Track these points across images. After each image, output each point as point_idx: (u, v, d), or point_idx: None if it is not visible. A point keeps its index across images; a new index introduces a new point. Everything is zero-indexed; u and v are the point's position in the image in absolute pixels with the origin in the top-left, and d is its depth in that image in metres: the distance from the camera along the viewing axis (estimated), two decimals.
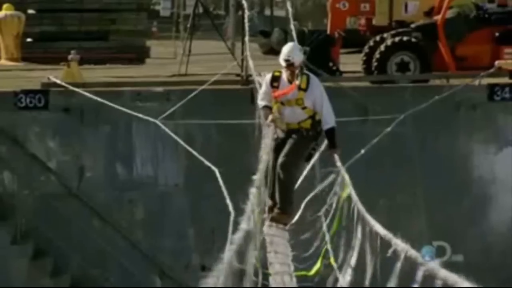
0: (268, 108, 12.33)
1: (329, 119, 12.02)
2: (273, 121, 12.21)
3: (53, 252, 17.86)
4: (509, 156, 19.30)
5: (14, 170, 17.96)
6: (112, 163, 18.86)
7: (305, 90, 12.14)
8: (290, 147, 12.14)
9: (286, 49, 12.29)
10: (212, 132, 18.38)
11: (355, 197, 9.99)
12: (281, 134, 12.27)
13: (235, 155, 17.16)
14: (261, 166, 10.51)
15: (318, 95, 12.16)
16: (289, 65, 11.93)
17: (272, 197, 12.09)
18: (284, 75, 12.09)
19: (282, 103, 12.24)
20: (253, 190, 8.87)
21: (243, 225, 7.23)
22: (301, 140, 12.14)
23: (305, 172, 13.31)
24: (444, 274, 5.22)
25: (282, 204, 12.04)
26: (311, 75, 12.66)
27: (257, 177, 9.79)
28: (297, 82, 12.09)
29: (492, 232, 19.21)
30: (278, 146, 12.17)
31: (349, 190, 10.74)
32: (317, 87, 12.32)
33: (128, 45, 26.64)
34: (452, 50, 20.67)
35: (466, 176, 19.43)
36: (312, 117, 12.28)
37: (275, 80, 12.17)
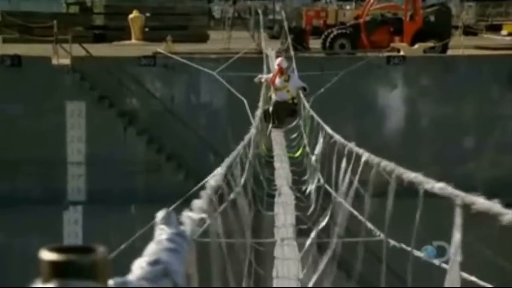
0: (258, 78, 18.23)
1: (302, 84, 17.92)
2: (260, 81, 18.13)
3: None
4: (395, 93, 25.17)
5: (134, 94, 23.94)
6: (186, 94, 24.68)
7: (288, 81, 17.80)
8: (282, 106, 17.63)
9: (278, 59, 18.68)
10: (241, 81, 22.66)
11: (314, 114, 13.43)
12: (273, 102, 17.67)
13: (252, 91, 19.81)
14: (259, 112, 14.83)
15: (295, 82, 17.87)
16: (278, 66, 18.04)
17: (273, 122, 17.65)
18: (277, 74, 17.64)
19: (276, 89, 17.78)
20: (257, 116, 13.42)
21: (252, 130, 10.05)
22: (286, 104, 17.67)
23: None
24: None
25: (279, 123, 17.84)
26: (290, 74, 18.11)
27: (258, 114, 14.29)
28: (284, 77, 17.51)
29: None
30: (275, 105, 17.77)
31: (310, 111, 14.64)
32: (294, 77, 18.19)
33: (198, 33, 35.12)
34: (368, 37, 28.14)
35: (371, 103, 25.07)
36: (292, 99, 17.67)
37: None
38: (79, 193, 24.48)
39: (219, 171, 5.09)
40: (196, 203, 3.14)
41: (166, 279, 1.65)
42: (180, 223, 2.13)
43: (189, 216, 2.50)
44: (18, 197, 23.66)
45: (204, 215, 2.92)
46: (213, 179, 4.36)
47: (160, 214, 1.97)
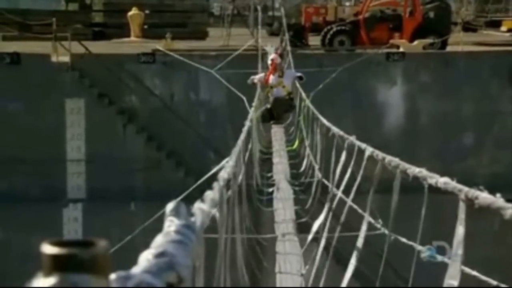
0: (251, 79, 18.41)
1: (298, 74, 18.25)
2: (252, 82, 18.25)
3: None
4: (395, 90, 25.01)
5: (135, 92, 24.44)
6: (185, 92, 24.58)
7: (282, 76, 18.19)
8: (280, 102, 18.03)
9: (272, 55, 19.05)
10: (241, 78, 22.22)
11: (311, 105, 14.00)
12: (272, 99, 18.17)
13: (251, 88, 19.87)
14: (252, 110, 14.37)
15: (290, 75, 18.32)
16: (272, 62, 18.44)
17: (272, 118, 18.21)
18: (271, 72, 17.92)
19: (271, 87, 18.16)
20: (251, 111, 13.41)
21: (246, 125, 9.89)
22: (284, 100, 18.03)
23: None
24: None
25: (279, 119, 18.46)
26: (285, 71, 18.42)
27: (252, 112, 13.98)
28: (277, 73, 17.84)
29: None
30: (273, 102, 18.17)
31: (307, 101, 15.20)
32: (289, 72, 18.51)
33: (197, 30, 35.63)
34: (367, 34, 28.33)
35: (370, 100, 25.35)
36: (289, 94, 18.00)
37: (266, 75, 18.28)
38: (79, 191, 24.39)
39: (230, 163, 5.00)
40: (208, 194, 3.10)
41: (171, 272, 1.61)
42: (191, 215, 2.09)
43: (200, 208, 2.48)
44: (17, 194, 23.62)
45: (215, 210, 2.85)
46: (225, 171, 4.30)
47: (169, 206, 1.96)
